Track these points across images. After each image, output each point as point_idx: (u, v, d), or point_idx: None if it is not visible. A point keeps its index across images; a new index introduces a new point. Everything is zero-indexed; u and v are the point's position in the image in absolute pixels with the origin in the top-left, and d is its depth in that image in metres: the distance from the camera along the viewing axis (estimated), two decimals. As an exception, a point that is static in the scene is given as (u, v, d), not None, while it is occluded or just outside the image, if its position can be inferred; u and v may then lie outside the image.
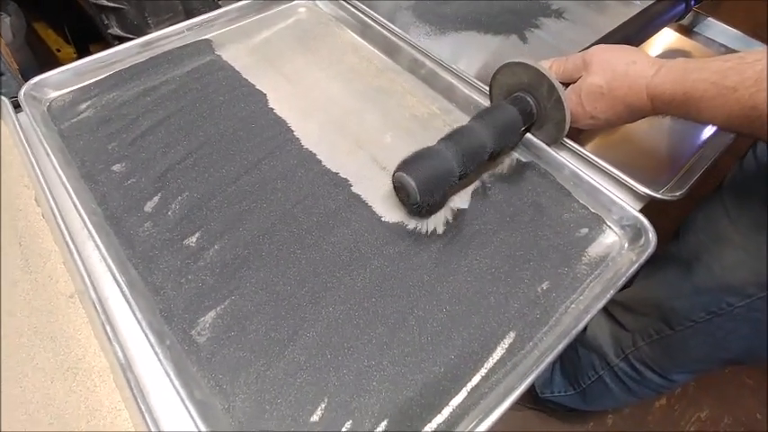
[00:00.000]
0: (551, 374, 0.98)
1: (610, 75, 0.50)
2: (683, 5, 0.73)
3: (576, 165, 0.56)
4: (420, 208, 0.50)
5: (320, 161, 0.57)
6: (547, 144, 0.57)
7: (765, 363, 0.69)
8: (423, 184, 0.48)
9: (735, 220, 0.60)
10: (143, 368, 0.40)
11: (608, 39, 0.64)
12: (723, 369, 0.74)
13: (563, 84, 0.54)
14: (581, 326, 0.44)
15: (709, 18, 0.81)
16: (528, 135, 0.58)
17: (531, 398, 1.08)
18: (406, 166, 0.49)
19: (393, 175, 0.50)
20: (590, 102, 0.52)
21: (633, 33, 0.66)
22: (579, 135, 0.60)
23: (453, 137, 0.51)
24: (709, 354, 0.70)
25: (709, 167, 0.59)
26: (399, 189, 0.51)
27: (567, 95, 0.54)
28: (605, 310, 0.80)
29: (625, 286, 0.75)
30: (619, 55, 0.51)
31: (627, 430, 1.15)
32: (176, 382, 0.38)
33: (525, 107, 0.55)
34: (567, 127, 0.55)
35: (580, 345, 0.87)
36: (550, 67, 0.56)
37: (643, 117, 0.51)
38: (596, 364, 0.84)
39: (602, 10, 0.86)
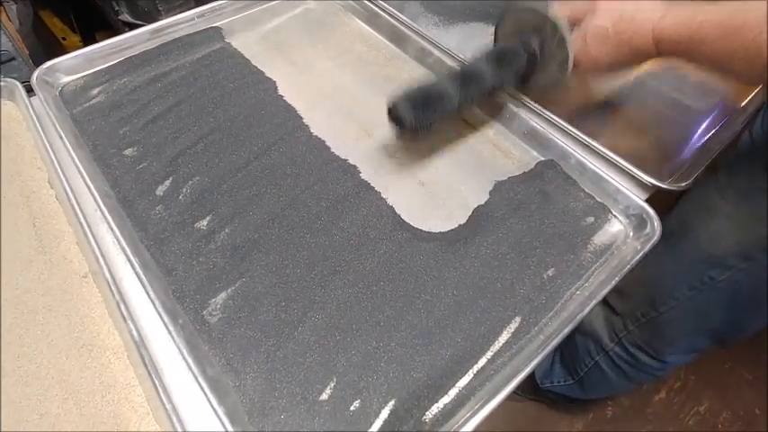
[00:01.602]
0: (551, 365, 1.00)
1: (616, 17, 0.50)
2: None
3: (582, 154, 0.56)
4: (414, 129, 0.52)
5: (329, 148, 0.57)
6: (547, 88, 0.58)
7: (745, 336, 0.70)
8: (411, 101, 0.49)
9: (723, 192, 0.62)
10: (156, 346, 0.41)
11: None
12: (713, 347, 0.75)
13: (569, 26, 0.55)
14: (585, 311, 0.44)
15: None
16: (534, 125, 0.59)
17: (531, 388, 1.09)
18: (403, 95, 0.51)
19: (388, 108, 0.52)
20: (595, 44, 0.52)
21: None
22: (587, 121, 0.61)
23: (454, 69, 0.54)
24: (694, 329, 0.71)
25: (715, 159, 0.60)
26: (393, 116, 0.52)
27: (573, 38, 0.54)
28: None
29: None
30: None
31: (626, 422, 1.16)
32: (189, 360, 0.39)
33: (528, 43, 0.56)
34: (570, 66, 0.54)
35: (577, 331, 0.88)
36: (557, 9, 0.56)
37: (645, 60, 0.51)
38: (592, 350, 0.85)
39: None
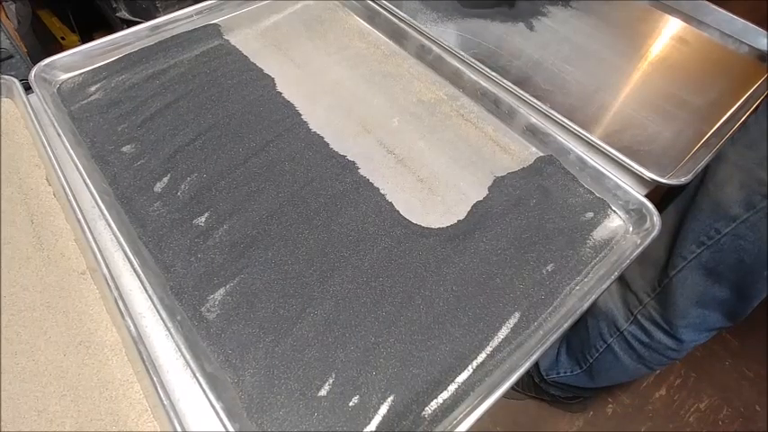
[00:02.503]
0: (557, 355, 0.99)
1: None
2: None
3: (581, 150, 0.56)
4: None
5: (328, 144, 0.57)
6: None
7: (751, 306, 0.70)
8: None
9: (735, 141, 0.62)
10: (155, 342, 0.41)
11: None
12: (724, 323, 0.74)
13: None
14: (585, 307, 0.44)
15: (713, 6, 0.81)
16: (534, 121, 0.59)
17: (532, 386, 1.09)
18: None
19: None
20: None
21: None
22: (587, 117, 0.60)
23: None
24: (703, 296, 0.71)
25: (714, 154, 0.59)
26: None
27: None
28: None
29: None
30: None
31: (627, 419, 1.16)
32: (187, 356, 0.39)
33: None
34: None
35: (588, 315, 0.87)
36: None
37: None
38: (605, 332, 0.85)
39: (611, 3, 0.86)
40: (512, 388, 1.10)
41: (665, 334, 0.78)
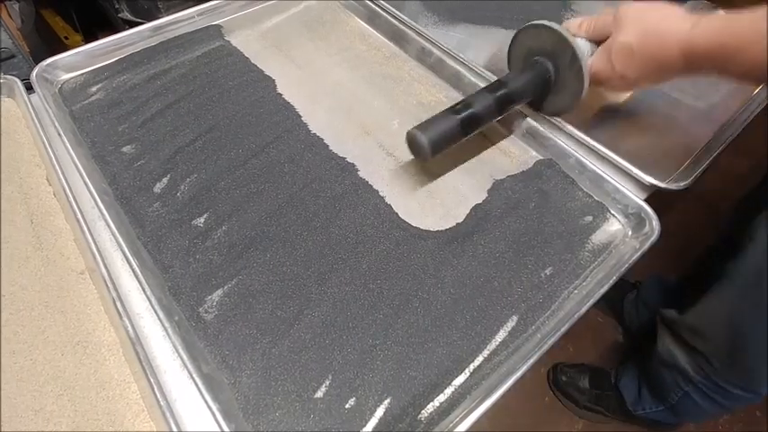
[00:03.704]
0: (639, 391, 0.97)
1: (641, 32, 0.48)
2: None
3: (581, 153, 0.56)
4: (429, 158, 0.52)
5: (327, 146, 0.57)
6: (556, 113, 0.57)
7: None
8: (433, 142, 0.50)
9: None
10: (152, 343, 0.41)
11: None
12: None
13: (593, 42, 0.54)
14: (583, 311, 0.44)
15: (720, 11, 0.81)
16: (534, 124, 0.59)
17: (622, 412, 1.06)
18: (420, 125, 0.51)
19: (407, 133, 0.52)
20: (620, 61, 0.50)
21: None
22: (587, 121, 0.60)
23: (466, 101, 0.53)
24: None
25: (714, 159, 0.59)
26: (411, 144, 0.53)
27: (597, 54, 0.53)
28: (674, 333, 0.80)
29: (686, 306, 0.73)
30: (651, 12, 0.49)
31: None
32: (184, 357, 0.39)
33: (543, 74, 0.55)
34: (582, 97, 0.54)
35: (661, 364, 0.86)
36: (580, 25, 0.55)
37: (673, 76, 0.49)
38: (680, 381, 0.83)
39: (610, 2, 0.86)
40: (601, 413, 1.06)
41: (743, 390, 0.76)
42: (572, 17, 0.82)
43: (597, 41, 0.54)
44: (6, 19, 1.06)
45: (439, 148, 0.51)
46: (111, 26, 1.06)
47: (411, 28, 0.69)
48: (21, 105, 0.58)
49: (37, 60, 0.61)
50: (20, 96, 0.57)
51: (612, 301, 1.23)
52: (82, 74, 0.62)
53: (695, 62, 0.46)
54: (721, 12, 0.46)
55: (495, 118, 0.54)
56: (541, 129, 0.58)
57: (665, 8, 0.49)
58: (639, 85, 0.53)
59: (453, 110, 0.52)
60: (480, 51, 0.74)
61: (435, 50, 0.67)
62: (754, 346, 0.68)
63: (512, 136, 0.61)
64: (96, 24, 1.21)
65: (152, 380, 0.37)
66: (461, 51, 0.65)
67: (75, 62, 0.62)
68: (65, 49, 0.62)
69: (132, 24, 0.80)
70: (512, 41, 0.59)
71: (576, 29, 0.55)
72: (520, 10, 0.82)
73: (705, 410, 0.84)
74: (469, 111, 0.51)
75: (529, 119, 0.59)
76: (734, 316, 0.68)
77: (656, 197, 0.55)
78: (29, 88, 0.58)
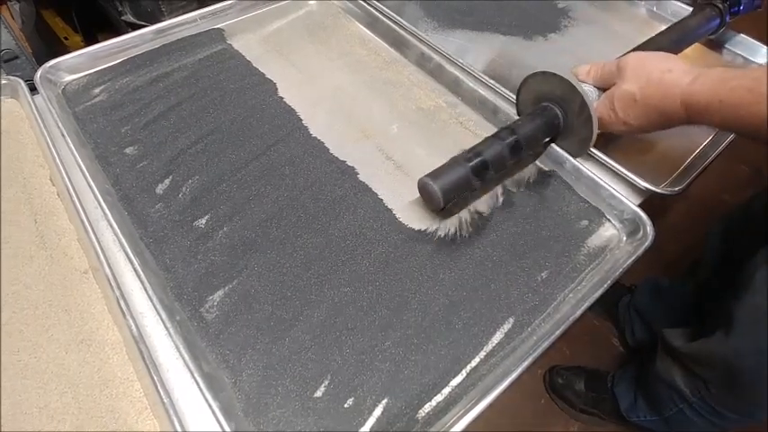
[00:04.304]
0: (634, 399, 0.98)
1: (644, 82, 0.50)
2: (718, 21, 0.72)
3: (577, 159, 0.57)
4: (442, 210, 0.52)
5: (328, 149, 0.58)
6: (570, 153, 0.57)
7: None
8: (445, 191, 0.49)
9: None
10: (155, 342, 0.42)
11: (638, 50, 0.62)
12: None
13: (599, 89, 0.55)
14: (578, 314, 0.45)
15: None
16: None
17: (616, 415, 1.07)
18: (431, 174, 0.50)
19: (419, 181, 0.51)
20: (623, 108, 0.52)
21: (666, 46, 0.65)
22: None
23: (476, 149, 0.52)
24: None
25: (709, 164, 0.60)
26: (423, 192, 0.52)
27: (601, 101, 0.54)
28: (673, 355, 0.81)
29: (692, 337, 0.74)
30: (654, 62, 0.50)
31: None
32: (186, 356, 0.40)
33: (552, 119, 0.55)
34: (592, 144, 0.55)
35: (658, 380, 0.87)
36: (588, 72, 0.56)
37: (676, 125, 0.50)
38: (675, 399, 0.84)
39: (606, 8, 0.87)
40: (597, 415, 1.04)
41: (738, 415, 0.77)
42: (570, 24, 0.83)
43: (603, 88, 0.55)
44: (9, 20, 1.07)
45: (451, 196, 0.50)
46: (111, 27, 1.07)
47: (411, 33, 0.70)
48: (24, 106, 0.58)
49: (38, 61, 0.62)
50: (23, 97, 0.58)
51: (608, 305, 1.23)
52: (85, 75, 0.62)
53: (697, 115, 0.47)
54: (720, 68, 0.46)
55: (507, 164, 0.53)
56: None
57: (668, 60, 0.50)
58: (644, 131, 0.54)
59: (465, 158, 0.51)
60: (478, 56, 0.75)
61: (435, 56, 0.68)
62: (754, 381, 0.69)
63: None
64: (96, 25, 1.22)
65: (155, 378, 0.38)
66: (460, 57, 0.66)
67: (78, 64, 0.62)
68: (65, 49, 0.63)
69: (135, 27, 0.81)
70: (521, 85, 0.59)
71: (584, 76, 0.56)
72: (518, 16, 0.83)
73: (699, 427, 0.85)
74: (480, 159, 0.51)
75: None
76: (734, 356, 0.69)
77: (651, 202, 0.56)
78: (32, 89, 0.59)
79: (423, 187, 0.51)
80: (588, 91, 0.54)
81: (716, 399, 0.77)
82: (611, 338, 1.27)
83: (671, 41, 0.67)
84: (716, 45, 0.82)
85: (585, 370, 1.13)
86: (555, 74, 0.54)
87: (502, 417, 1.13)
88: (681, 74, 0.48)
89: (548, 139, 0.57)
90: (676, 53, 0.67)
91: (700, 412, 0.81)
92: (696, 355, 0.76)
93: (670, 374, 0.83)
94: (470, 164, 0.50)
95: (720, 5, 0.72)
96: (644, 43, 0.65)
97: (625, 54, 0.56)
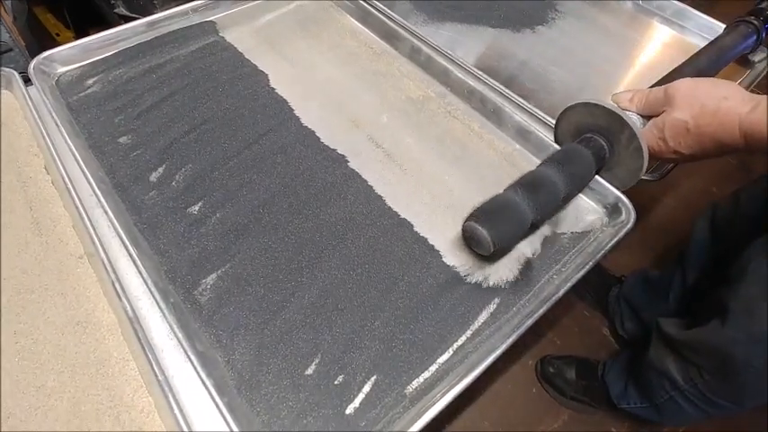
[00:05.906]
0: (624, 386, 0.99)
1: (697, 110, 0.48)
2: (755, 38, 0.72)
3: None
4: (491, 256, 0.49)
5: (319, 138, 0.59)
6: (621, 183, 0.55)
7: None
8: (499, 238, 0.45)
9: None
10: (150, 323, 0.43)
11: (678, 72, 0.61)
12: None
13: (643, 117, 0.53)
14: (561, 293, 0.46)
15: (694, 11, 0.84)
16: (518, 119, 0.61)
17: (606, 401, 1.07)
18: (481, 216, 0.45)
19: (464, 223, 0.47)
20: (674, 137, 0.50)
21: (705, 66, 0.64)
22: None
23: (528, 186, 0.48)
24: None
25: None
26: (470, 239, 0.47)
27: (648, 129, 0.52)
28: (668, 343, 0.83)
29: (687, 326, 0.76)
30: (707, 89, 0.48)
31: (614, 418, 1.19)
32: (180, 336, 0.41)
33: (599, 151, 0.53)
34: (642, 175, 0.53)
35: (650, 368, 0.88)
36: (631, 100, 0.53)
37: (732, 154, 0.49)
38: (666, 386, 0.86)
39: (594, 2, 0.89)
40: (588, 403, 1.03)
41: (729, 402, 0.78)
42: (558, 17, 0.84)
43: (647, 117, 0.53)
44: (2, 14, 1.07)
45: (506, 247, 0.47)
46: (103, 23, 1.07)
47: (401, 26, 0.71)
48: (18, 97, 0.59)
49: (30, 55, 0.63)
50: (18, 89, 0.59)
51: (599, 296, 1.25)
52: (78, 67, 0.63)
53: (756, 144, 0.45)
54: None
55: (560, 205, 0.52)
56: (525, 123, 0.61)
57: (721, 86, 0.49)
58: (696, 160, 0.51)
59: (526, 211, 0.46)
60: (469, 49, 0.76)
61: (424, 47, 0.69)
62: (746, 369, 0.71)
63: (497, 130, 0.63)
64: (88, 21, 1.22)
65: (150, 356, 0.39)
66: (450, 49, 0.68)
67: (71, 55, 0.63)
68: (56, 45, 0.63)
69: (127, 19, 0.82)
70: (560, 116, 0.57)
71: (626, 104, 0.54)
72: (506, 9, 0.84)
73: (689, 414, 0.87)
74: (539, 218, 0.47)
75: (513, 114, 0.62)
76: (724, 345, 0.71)
77: (637, 192, 0.57)
78: (26, 81, 0.59)
79: (471, 234, 0.46)
80: (636, 121, 0.52)
81: (708, 386, 0.78)
82: (601, 329, 1.29)
83: (710, 61, 0.65)
84: (744, 60, 0.80)
85: (576, 359, 1.14)
86: (597, 104, 0.52)
87: (494, 406, 1.14)
88: (739, 102, 0.46)
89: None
90: (715, 73, 0.66)
91: (691, 399, 0.83)
92: (692, 342, 0.78)
93: (663, 362, 0.85)
94: (531, 220, 0.47)
95: (756, 22, 0.71)
96: (682, 64, 0.64)
97: (669, 79, 0.52)
